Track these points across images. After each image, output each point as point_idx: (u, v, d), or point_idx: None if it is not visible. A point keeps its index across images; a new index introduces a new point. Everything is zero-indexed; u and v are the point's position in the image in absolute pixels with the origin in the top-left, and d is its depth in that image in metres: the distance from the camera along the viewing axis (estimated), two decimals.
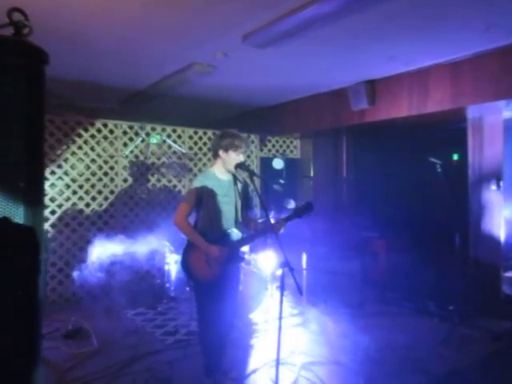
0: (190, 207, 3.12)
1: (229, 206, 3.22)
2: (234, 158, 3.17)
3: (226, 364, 3.43)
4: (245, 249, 5.13)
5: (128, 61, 4.89)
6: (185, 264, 3.21)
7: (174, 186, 6.59)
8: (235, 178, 3.35)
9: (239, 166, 3.19)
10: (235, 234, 3.24)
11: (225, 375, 3.33)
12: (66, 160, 5.68)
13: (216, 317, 3.16)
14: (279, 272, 3.45)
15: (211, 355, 3.26)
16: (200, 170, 6.71)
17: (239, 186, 3.35)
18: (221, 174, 3.24)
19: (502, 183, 5.18)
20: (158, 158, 6.39)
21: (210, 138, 6.81)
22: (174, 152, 6.53)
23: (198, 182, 3.17)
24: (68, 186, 5.71)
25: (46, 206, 5.48)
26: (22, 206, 1.48)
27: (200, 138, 6.86)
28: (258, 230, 3.29)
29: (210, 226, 3.15)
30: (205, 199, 3.12)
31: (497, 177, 5.19)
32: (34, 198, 1.54)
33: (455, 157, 5.76)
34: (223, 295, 3.17)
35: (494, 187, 5.21)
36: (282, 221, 3.12)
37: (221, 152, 3.19)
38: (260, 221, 3.46)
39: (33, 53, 1.43)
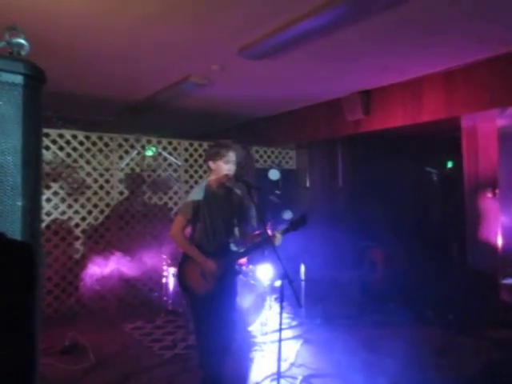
0: (185, 220, 3.10)
1: (225, 218, 3.18)
2: (223, 167, 3.14)
3: (226, 378, 3.39)
4: (243, 261, 5.11)
5: (124, 74, 4.91)
6: (181, 278, 3.17)
7: (170, 198, 6.57)
8: (231, 191, 3.33)
9: (236, 178, 3.19)
10: (232, 246, 3.22)
11: None
12: (61, 174, 5.65)
13: (213, 331, 3.10)
14: (278, 283, 3.39)
15: (209, 370, 3.20)
16: (196, 182, 6.70)
17: (235, 198, 3.32)
18: (216, 186, 3.21)
19: (497, 191, 5.20)
20: (154, 171, 6.38)
21: (205, 150, 6.81)
22: (170, 164, 6.53)
23: (194, 195, 3.15)
24: (63, 200, 5.68)
25: (42, 221, 5.44)
26: (19, 224, 1.47)
27: (195, 150, 6.86)
28: (254, 242, 3.27)
29: (206, 238, 3.12)
30: (201, 212, 3.09)
31: (492, 184, 5.21)
32: (30, 214, 1.52)
33: (450, 165, 5.79)
34: (220, 309, 3.12)
35: (489, 195, 5.23)
36: (277, 234, 3.12)
37: (211, 163, 3.19)
38: (257, 232, 3.45)
39: (29, 71, 1.43)
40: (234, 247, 3.23)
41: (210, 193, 3.16)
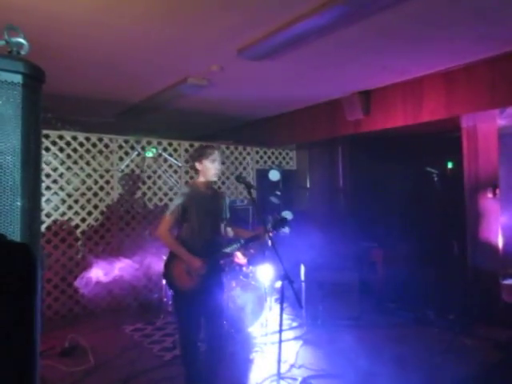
0: (173, 220, 3.19)
1: (211, 218, 3.30)
2: (210, 166, 3.26)
3: (206, 375, 3.29)
4: (243, 262, 5.10)
5: (124, 75, 4.90)
6: (167, 274, 3.27)
7: (171, 200, 6.56)
8: (216, 192, 3.51)
9: (237, 178, 3.33)
10: (218, 245, 3.30)
11: None
12: (61, 175, 5.65)
13: (195, 328, 3.18)
14: (278, 284, 3.40)
15: (191, 366, 3.20)
16: None
17: (221, 199, 3.46)
18: (203, 187, 3.33)
19: (498, 191, 5.19)
20: (154, 172, 6.38)
21: (189, 154, 6.76)
22: (170, 165, 6.52)
23: (181, 196, 3.27)
24: (64, 201, 5.67)
25: (42, 222, 5.44)
26: (18, 225, 1.46)
27: None
28: (241, 239, 3.37)
29: (192, 237, 3.21)
30: (188, 212, 3.21)
31: (493, 184, 5.20)
32: (30, 214, 1.51)
33: (451, 165, 5.78)
34: (204, 306, 3.19)
35: (490, 195, 5.22)
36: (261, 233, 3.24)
37: (197, 164, 3.31)
38: (247, 231, 3.59)
39: (28, 70, 1.42)
40: (220, 246, 3.32)
41: (196, 194, 3.28)
